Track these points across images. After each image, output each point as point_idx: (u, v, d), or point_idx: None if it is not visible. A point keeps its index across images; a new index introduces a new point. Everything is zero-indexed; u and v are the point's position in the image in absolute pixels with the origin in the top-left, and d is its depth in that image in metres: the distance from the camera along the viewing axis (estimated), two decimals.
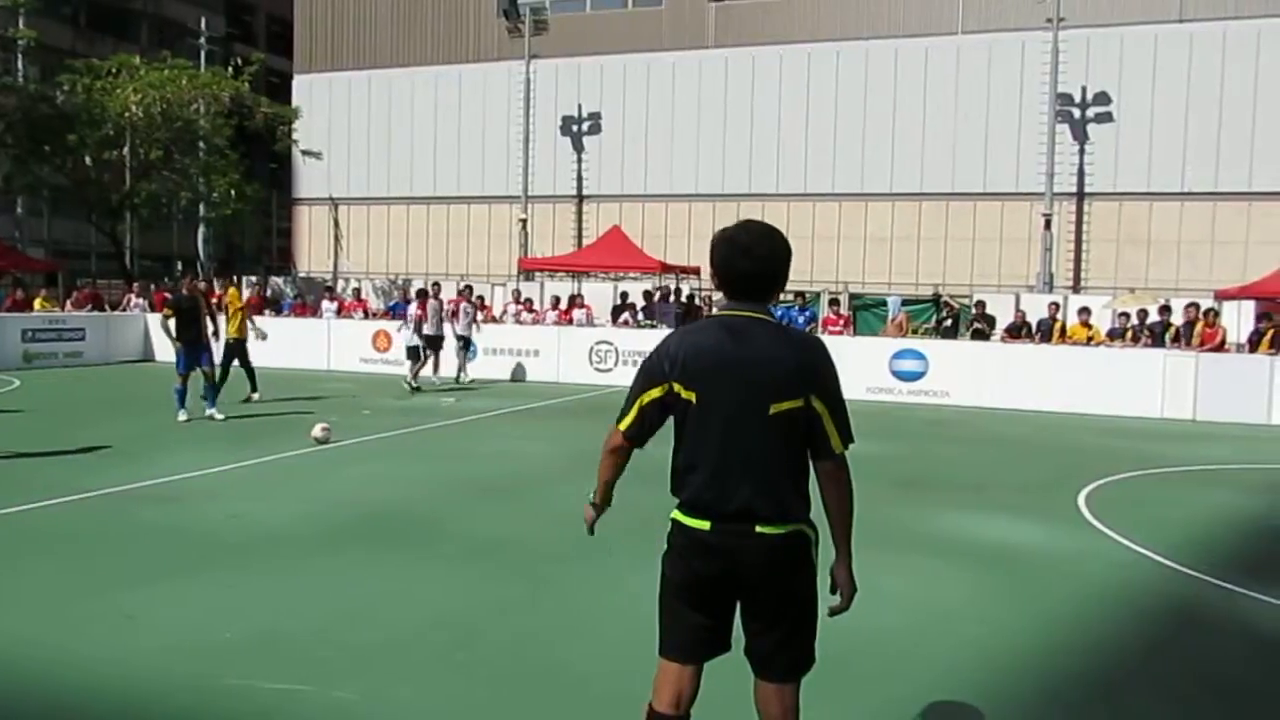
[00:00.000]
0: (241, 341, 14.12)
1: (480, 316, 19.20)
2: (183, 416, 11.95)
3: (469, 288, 20.12)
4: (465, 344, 18.17)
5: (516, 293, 18.99)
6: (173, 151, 27.38)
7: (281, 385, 15.93)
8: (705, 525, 2.77)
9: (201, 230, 31.94)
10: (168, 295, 13.93)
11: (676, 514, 2.86)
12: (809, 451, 2.77)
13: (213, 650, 4.56)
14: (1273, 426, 14.84)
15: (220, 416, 12.14)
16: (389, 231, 32.08)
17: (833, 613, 2.85)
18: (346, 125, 32.05)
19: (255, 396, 13.98)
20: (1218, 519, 8.21)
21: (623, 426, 2.90)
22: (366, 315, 22.75)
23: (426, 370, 17.29)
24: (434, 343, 17.41)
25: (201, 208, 29.74)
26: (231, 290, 15.19)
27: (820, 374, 2.76)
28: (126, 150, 27.06)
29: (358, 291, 25.10)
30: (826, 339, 17.76)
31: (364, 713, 3.97)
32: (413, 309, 17.53)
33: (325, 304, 22.78)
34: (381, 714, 3.96)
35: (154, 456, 9.57)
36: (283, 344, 19.69)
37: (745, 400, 2.72)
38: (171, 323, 12.17)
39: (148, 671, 4.29)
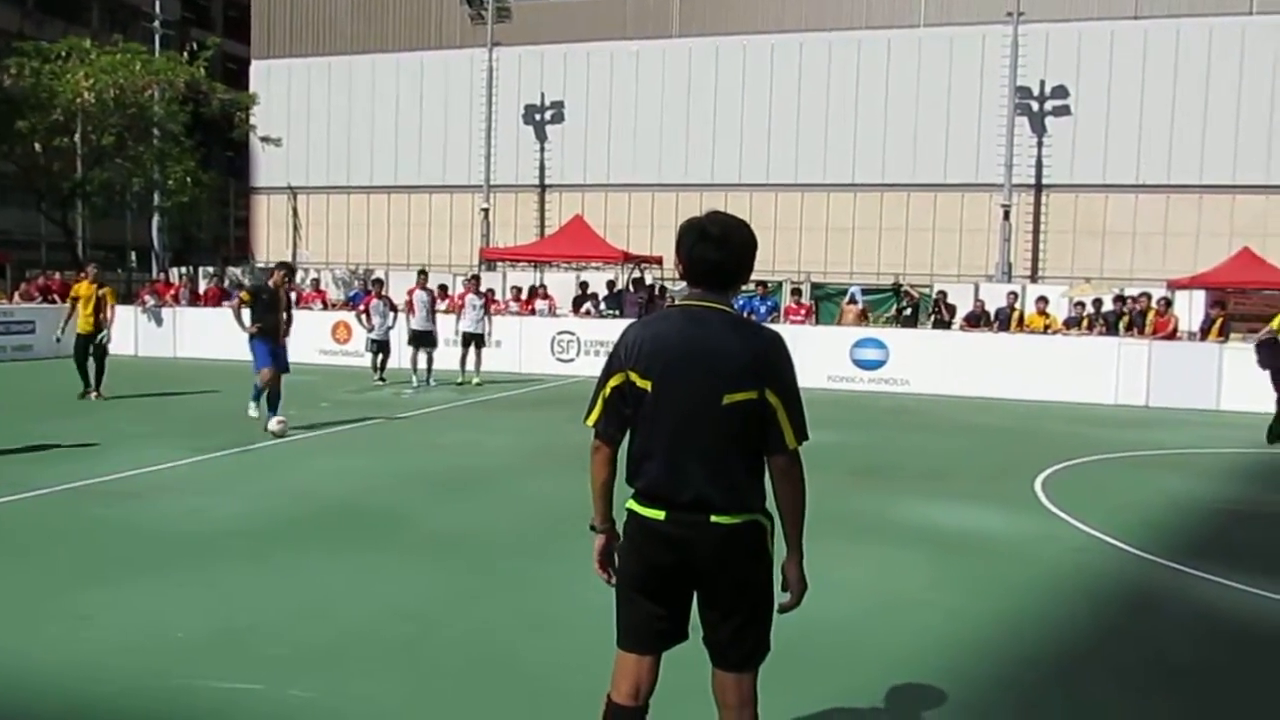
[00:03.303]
0: (91, 337, 13.32)
1: (490, 310, 17.39)
2: (253, 412, 10.93)
3: (476, 278, 17.82)
4: (476, 341, 16.31)
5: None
6: (126, 138, 26.78)
7: (238, 378, 15.71)
8: (660, 515, 2.76)
9: (156, 219, 31.33)
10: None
11: (631, 504, 2.85)
12: (762, 446, 2.76)
13: (166, 649, 4.48)
14: (1222, 412, 15.16)
15: (275, 427, 10.52)
16: (349, 221, 31.72)
17: (783, 610, 2.85)
18: (306, 112, 31.59)
19: (93, 396, 13.21)
20: (1169, 502, 8.38)
21: (589, 421, 2.89)
22: (325, 306, 22.48)
23: (421, 364, 16.02)
24: (419, 338, 15.98)
25: (156, 196, 29.15)
26: (82, 284, 13.77)
27: (776, 367, 2.75)
28: (78, 136, 26.45)
29: (316, 282, 24.76)
30: (789, 328, 17.95)
31: (319, 709, 3.92)
32: (376, 302, 16.56)
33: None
34: (337, 710, 3.92)
35: (110, 451, 9.39)
36: (240, 336, 19.40)
37: (700, 390, 2.72)
38: (246, 312, 11.00)
39: (100, 671, 4.20)
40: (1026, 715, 4.12)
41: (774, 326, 18.00)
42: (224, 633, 4.70)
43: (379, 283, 17.68)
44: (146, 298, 22.24)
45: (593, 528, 2.99)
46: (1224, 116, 24.84)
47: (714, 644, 2.83)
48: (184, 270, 29.25)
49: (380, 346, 16.57)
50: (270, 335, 10.88)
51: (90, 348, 13.42)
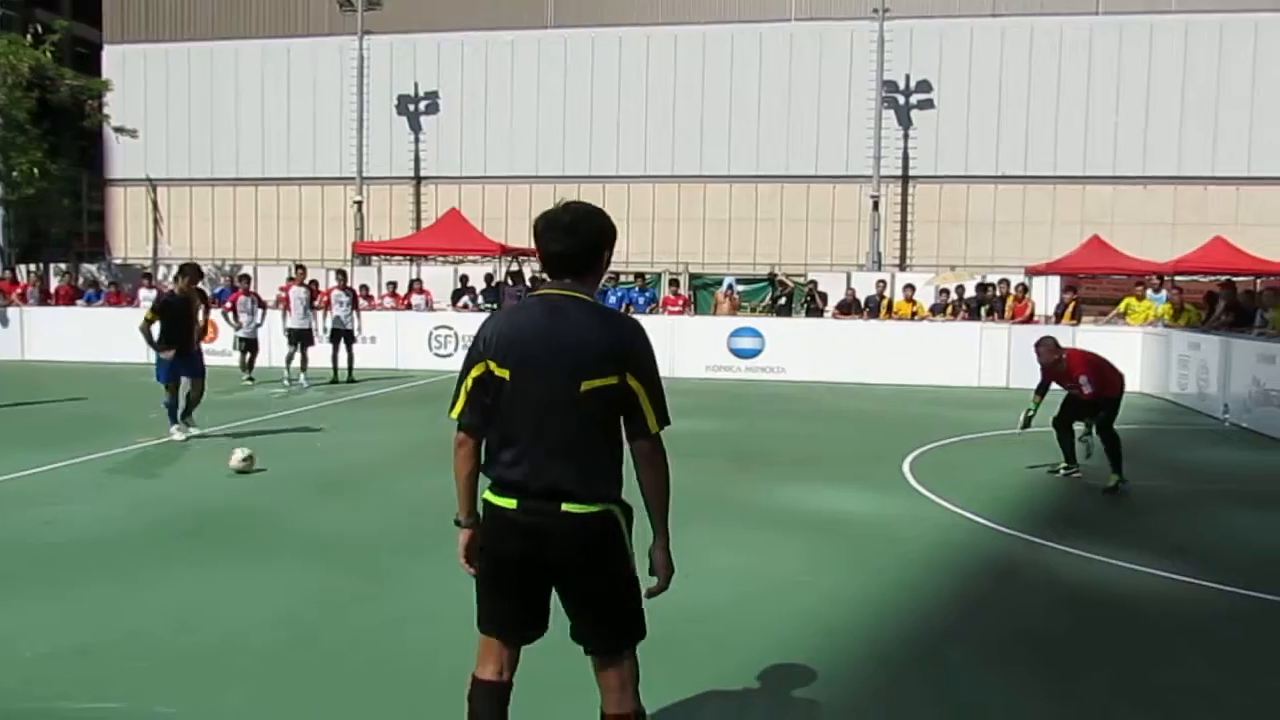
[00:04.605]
0: None
1: (361, 305, 17.02)
2: (179, 435, 10.03)
3: (342, 273, 17.51)
4: (346, 337, 16.02)
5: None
6: None
7: (98, 381, 14.94)
8: (512, 503, 2.75)
9: (1, 213, 29.36)
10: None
11: (487, 494, 2.83)
12: (625, 432, 2.78)
13: (12, 670, 4.22)
14: None
15: (181, 436, 10.09)
16: (214, 214, 30.42)
17: (650, 595, 2.86)
18: (164, 101, 30.13)
19: None
20: (1026, 479, 8.87)
21: (454, 414, 2.86)
22: None
23: (295, 363, 15.49)
24: (299, 336, 15.49)
25: (0, 189, 27.29)
26: None
27: (635, 353, 2.77)
28: None
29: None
30: (667, 319, 18.16)
31: None
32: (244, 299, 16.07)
33: (143, 292, 21.34)
34: None
35: None
36: (97, 336, 18.45)
37: (557, 377, 2.72)
38: (155, 327, 9.94)
39: None
40: (896, 690, 4.28)
41: (653, 318, 18.13)
42: (80, 649, 4.45)
43: (246, 278, 17.05)
44: None
45: (458, 522, 2.95)
46: (1074, 110, 26.31)
47: (579, 634, 2.85)
48: (33, 267, 27.49)
49: (248, 344, 16.02)
50: (182, 351, 10.03)
51: None
